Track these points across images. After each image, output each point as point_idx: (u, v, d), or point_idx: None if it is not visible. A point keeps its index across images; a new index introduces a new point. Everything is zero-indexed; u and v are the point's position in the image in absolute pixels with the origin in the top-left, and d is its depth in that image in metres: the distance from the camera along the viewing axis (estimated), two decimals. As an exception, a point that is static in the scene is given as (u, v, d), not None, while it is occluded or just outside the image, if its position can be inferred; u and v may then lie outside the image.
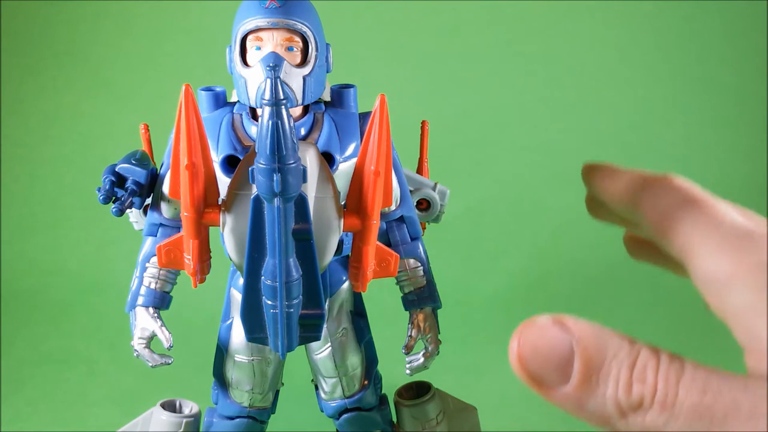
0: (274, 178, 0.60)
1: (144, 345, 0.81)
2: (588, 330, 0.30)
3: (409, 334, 0.85)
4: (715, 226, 0.32)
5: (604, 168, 0.41)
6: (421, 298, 0.85)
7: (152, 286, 0.82)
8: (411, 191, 0.86)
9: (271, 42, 0.71)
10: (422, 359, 0.85)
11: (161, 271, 0.82)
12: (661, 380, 0.29)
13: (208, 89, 0.78)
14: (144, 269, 0.82)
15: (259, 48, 0.72)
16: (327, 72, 0.77)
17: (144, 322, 0.81)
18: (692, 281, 0.33)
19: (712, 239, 0.32)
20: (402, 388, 0.97)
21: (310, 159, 0.69)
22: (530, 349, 0.30)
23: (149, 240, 0.81)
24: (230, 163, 0.75)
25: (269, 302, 0.67)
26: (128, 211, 0.81)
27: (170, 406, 0.93)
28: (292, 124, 0.60)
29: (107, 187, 0.75)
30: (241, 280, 0.69)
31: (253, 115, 0.77)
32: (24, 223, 1.67)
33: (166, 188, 0.78)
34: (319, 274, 0.68)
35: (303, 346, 0.86)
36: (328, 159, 0.75)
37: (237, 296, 0.84)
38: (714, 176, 1.75)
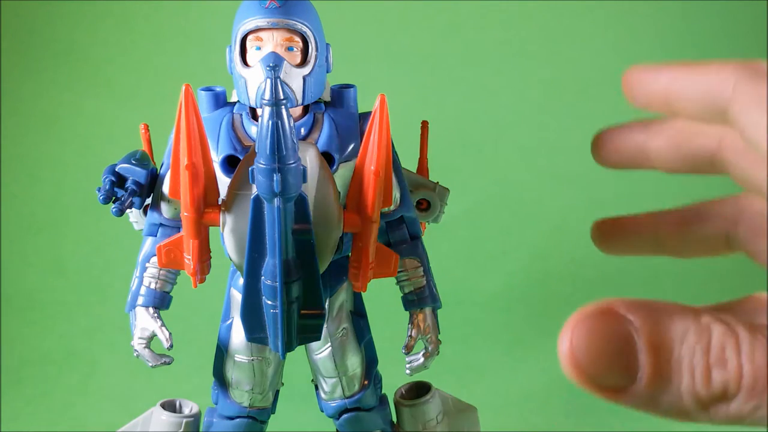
0: (274, 178, 0.60)
1: (144, 345, 0.81)
2: (647, 313, 0.25)
3: (409, 334, 0.85)
4: None
5: (663, 66, 0.35)
6: (421, 298, 0.85)
7: (152, 286, 0.82)
8: (411, 191, 0.85)
9: (271, 42, 0.71)
10: (422, 359, 0.85)
11: (161, 271, 0.82)
12: (746, 362, 0.24)
13: (208, 89, 0.78)
14: (144, 269, 0.82)
15: (259, 48, 0.72)
16: (327, 72, 0.77)
17: (144, 322, 0.81)
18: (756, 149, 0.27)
19: None
20: (402, 388, 0.97)
21: (310, 159, 0.69)
22: (585, 350, 0.26)
23: (149, 240, 0.81)
24: (230, 163, 0.75)
25: (269, 302, 0.67)
26: (128, 211, 0.81)
27: (170, 406, 0.93)
28: (292, 124, 0.60)
29: (107, 187, 0.75)
30: (241, 280, 0.69)
31: (253, 115, 0.77)
32: (24, 223, 1.67)
33: (166, 188, 0.78)
34: (319, 274, 0.68)
35: (303, 346, 0.86)
36: (328, 159, 0.75)
37: (237, 296, 0.84)
38: (713, 176, 1.75)
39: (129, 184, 0.76)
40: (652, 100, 0.35)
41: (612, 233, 0.41)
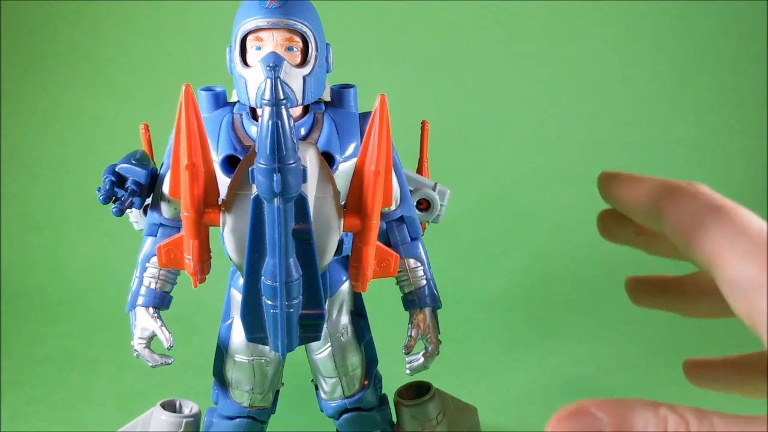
0: (274, 178, 0.60)
1: (144, 345, 0.81)
2: (612, 409, 0.31)
3: (409, 334, 0.85)
4: (741, 233, 0.33)
5: (624, 175, 0.41)
6: (421, 298, 0.85)
7: (152, 286, 0.82)
8: (411, 191, 0.86)
9: (271, 42, 0.71)
10: (422, 359, 0.85)
11: (161, 271, 0.82)
12: None
13: (208, 89, 0.78)
14: (144, 269, 0.82)
15: (259, 48, 0.72)
16: (327, 72, 0.77)
17: (144, 322, 0.81)
18: (719, 286, 0.33)
19: (739, 246, 0.33)
20: (402, 388, 0.97)
21: (310, 159, 0.69)
22: None
23: (149, 240, 0.81)
24: (230, 163, 0.75)
25: (269, 302, 0.67)
26: (128, 211, 0.81)
27: (170, 406, 0.93)
28: (292, 124, 0.60)
29: (107, 187, 0.75)
30: (241, 280, 0.69)
31: (253, 115, 0.77)
32: (24, 223, 1.67)
33: (166, 188, 0.78)
34: (319, 274, 0.68)
35: (303, 346, 0.86)
36: (328, 159, 0.75)
37: (237, 296, 0.84)
38: (713, 176, 1.75)
39: (129, 184, 0.76)
40: (618, 206, 0.42)
41: (639, 289, 0.48)
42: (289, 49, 0.72)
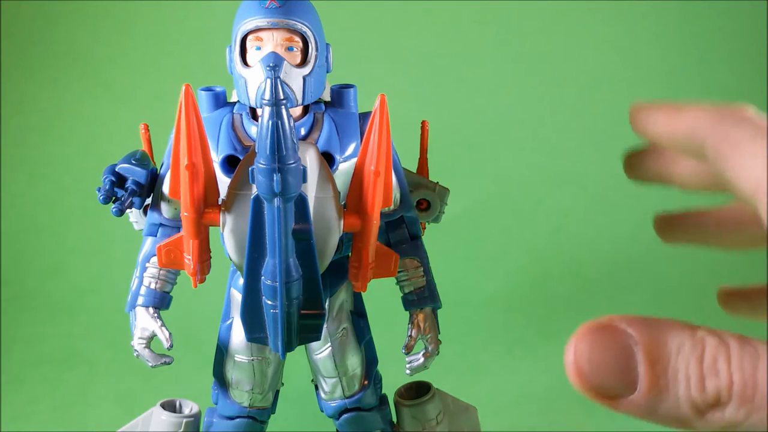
0: (274, 178, 0.60)
1: (144, 345, 0.81)
2: (646, 328, 0.28)
3: (409, 334, 0.85)
4: None
5: (660, 105, 0.38)
6: (421, 298, 0.85)
7: (152, 286, 0.82)
8: (411, 191, 0.85)
9: (271, 42, 0.71)
10: (422, 359, 0.85)
11: (161, 271, 0.82)
12: (736, 371, 0.26)
13: (208, 89, 0.78)
14: (144, 269, 0.82)
15: (259, 48, 0.72)
16: (327, 72, 0.77)
17: (144, 322, 0.81)
18: (760, 214, 0.30)
19: None
20: (402, 388, 0.97)
21: (310, 159, 0.69)
22: (587, 361, 0.29)
23: (149, 240, 0.81)
24: (230, 163, 0.75)
25: (269, 302, 0.67)
26: (128, 211, 0.81)
27: (170, 406, 0.93)
28: (292, 124, 0.60)
29: (107, 187, 0.75)
30: (241, 280, 0.69)
31: (253, 115, 0.77)
32: (24, 223, 1.67)
33: (166, 188, 0.78)
34: (319, 274, 0.68)
35: (303, 346, 0.86)
36: (328, 159, 0.75)
37: (237, 296, 0.84)
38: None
39: (129, 184, 0.76)
40: (652, 137, 0.39)
41: (669, 225, 0.45)
42: (289, 49, 0.72)
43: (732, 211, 0.42)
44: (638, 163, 0.43)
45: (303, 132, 0.76)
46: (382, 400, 0.95)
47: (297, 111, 0.76)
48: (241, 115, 0.77)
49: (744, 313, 0.42)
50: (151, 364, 0.82)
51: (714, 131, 0.33)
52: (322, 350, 0.88)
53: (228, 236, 0.69)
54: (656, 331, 0.28)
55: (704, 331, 0.27)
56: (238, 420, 0.90)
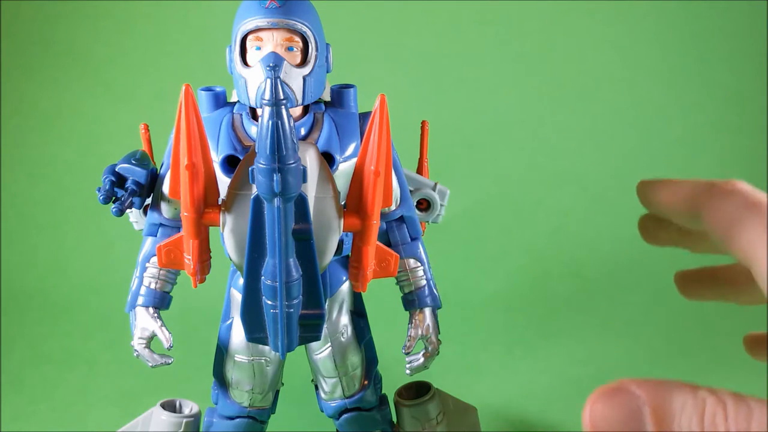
0: (274, 178, 0.60)
1: (144, 345, 0.81)
2: (652, 389, 0.31)
3: (409, 334, 0.85)
4: None
5: (661, 180, 0.42)
6: (421, 298, 0.85)
7: (152, 286, 0.82)
8: (411, 191, 0.86)
9: (271, 42, 0.71)
10: (422, 359, 0.85)
11: (161, 271, 0.82)
12: (732, 426, 0.30)
13: (208, 89, 0.78)
14: (144, 269, 0.82)
15: (259, 48, 0.72)
16: (327, 72, 0.77)
17: (144, 322, 0.81)
18: (756, 279, 0.34)
19: None
20: (402, 388, 0.97)
21: (310, 159, 0.69)
22: (602, 419, 0.31)
23: (149, 240, 0.81)
24: (230, 163, 0.75)
25: (269, 302, 0.67)
26: (128, 211, 0.81)
27: (170, 406, 0.93)
28: (292, 124, 0.60)
29: (107, 187, 0.75)
30: (241, 280, 0.69)
31: (253, 115, 0.77)
32: (24, 223, 1.67)
33: (166, 188, 0.78)
34: (319, 274, 0.68)
35: (303, 346, 0.86)
36: (328, 159, 0.75)
37: (237, 296, 0.84)
38: (713, 176, 1.75)
39: (129, 184, 0.76)
40: (658, 210, 0.43)
41: (688, 282, 0.49)
42: (289, 49, 0.72)
43: (743, 269, 0.45)
44: (652, 228, 0.47)
45: (303, 132, 0.76)
46: (382, 400, 0.95)
47: (297, 111, 0.76)
48: (241, 115, 0.77)
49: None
50: (151, 364, 0.82)
51: (707, 204, 0.38)
52: (322, 350, 0.88)
53: (228, 236, 0.69)
54: (662, 392, 0.31)
55: (705, 391, 0.31)
56: (238, 420, 0.90)
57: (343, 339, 0.87)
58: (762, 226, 0.34)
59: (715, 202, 0.37)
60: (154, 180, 0.79)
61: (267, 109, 0.58)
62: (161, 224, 0.80)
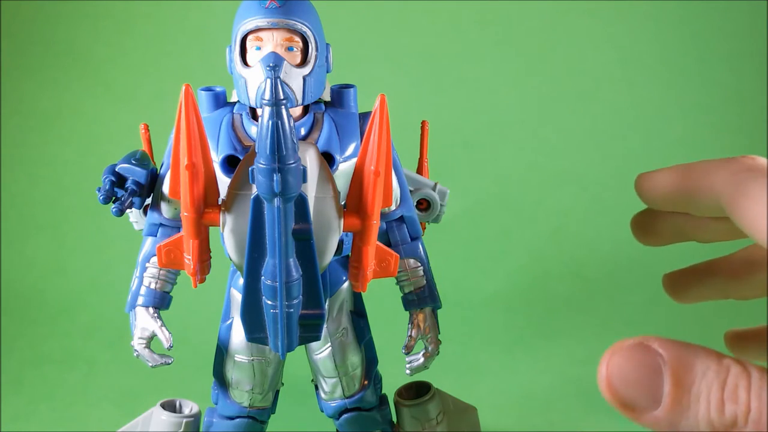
0: (274, 178, 0.60)
1: (144, 345, 0.81)
2: (675, 350, 0.30)
3: (409, 334, 0.85)
4: None
5: (667, 168, 0.41)
6: (421, 298, 0.85)
7: (152, 286, 0.82)
8: (411, 191, 0.86)
9: (271, 42, 0.71)
10: (422, 359, 0.85)
11: (161, 271, 0.82)
12: (754, 399, 0.28)
13: (208, 89, 0.78)
14: (144, 269, 0.82)
15: (259, 48, 0.72)
16: (327, 72, 0.77)
17: (144, 322, 0.81)
18: (758, 242, 0.33)
19: None
20: (402, 388, 0.97)
21: (310, 159, 0.69)
22: (618, 375, 0.31)
23: (149, 240, 0.81)
24: (230, 163, 0.76)
25: (269, 302, 0.67)
26: (128, 211, 0.81)
27: (170, 406, 0.93)
28: (292, 124, 0.60)
29: (107, 187, 0.75)
30: (241, 280, 0.69)
31: (253, 115, 0.77)
32: (24, 223, 1.67)
33: (166, 188, 0.78)
34: (319, 274, 0.68)
35: (303, 346, 0.86)
36: (328, 159, 0.75)
37: (237, 296, 0.84)
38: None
39: (129, 184, 0.76)
40: (662, 200, 0.41)
41: (681, 283, 0.47)
42: (289, 49, 0.72)
43: (745, 256, 0.44)
44: (649, 225, 0.45)
45: (303, 132, 0.76)
46: (382, 400, 0.95)
47: (297, 111, 0.76)
48: (241, 115, 0.77)
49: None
50: (151, 364, 0.82)
51: (728, 186, 0.35)
52: (322, 350, 0.88)
53: (228, 236, 0.69)
54: (685, 354, 0.30)
55: (730, 360, 0.30)
56: (238, 420, 0.90)
57: (343, 339, 0.87)
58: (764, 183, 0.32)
59: (736, 185, 0.35)
60: (154, 180, 0.79)
61: (267, 109, 0.58)
62: (161, 224, 0.80)
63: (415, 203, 0.86)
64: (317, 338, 0.72)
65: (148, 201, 0.80)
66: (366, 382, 0.91)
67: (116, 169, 0.77)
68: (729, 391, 0.29)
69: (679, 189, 0.39)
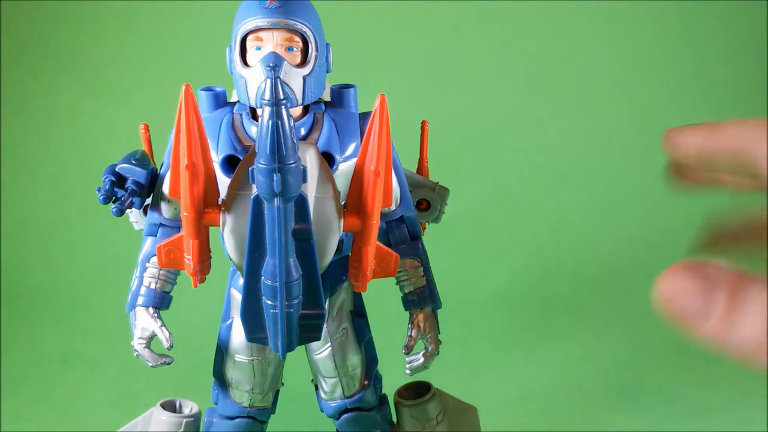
0: (274, 178, 0.60)
1: (144, 345, 0.81)
2: (734, 275, 0.31)
3: (409, 334, 0.85)
4: None
5: (698, 125, 0.41)
6: (421, 298, 0.85)
7: (152, 286, 0.82)
8: (411, 191, 0.85)
9: (271, 42, 0.71)
10: (422, 359, 0.85)
11: (161, 271, 0.82)
12: None
13: (208, 89, 0.78)
14: (144, 269, 0.82)
15: (259, 48, 0.72)
16: (327, 72, 0.77)
17: (144, 322, 0.81)
18: None
19: None
20: (402, 388, 0.97)
21: (310, 159, 0.69)
22: (677, 292, 0.32)
23: (149, 240, 0.81)
24: (230, 163, 0.75)
25: (269, 302, 0.67)
26: (128, 211, 0.81)
27: (170, 406, 0.93)
28: (292, 124, 0.60)
29: (107, 187, 0.75)
30: (241, 280, 0.69)
31: (253, 115, 0.77)
32: (24, 223, 1.67)
33: (166, 188, 0.78)
34: (319, 274, 0.68)
35: (303, 346, 0.86)
36: (328, 159, 0.75)
37: (237, 296, 0.84)
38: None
39: (129, 184, 0.76)
40: (690, 158, 0.42)
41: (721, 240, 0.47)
42: (289, 49, 0.72)
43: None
44: (685, 170, 0.45)
45: (303, 132, 0.76)
46: (382, 400, 0.95)
47: (297, 111, 0.76)
48: (241, 115, 0.77)
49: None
50: (151, 364, 0.82)
51: (762, 146, 0.35)
52: (322, 350, 0.88)
53: (228, 236, 0.69)
54: (744, 278, 0.31)
55: None
56: (238, 420, 0.90)
57: (343, 339, 0.87)
58: None
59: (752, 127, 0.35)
60: (154, 180, 0.79)
61: (267, 109, 0.58)
62: (161, 224, 0.80)
63: (415, 203, 0.86)
64: (317, 338, 0.72)
65: (148, 201, 0.80)
66: (366, 382, 0.91)
67: (116, 169, 0.77)
68: None
69: (711, 151, 0.39)
